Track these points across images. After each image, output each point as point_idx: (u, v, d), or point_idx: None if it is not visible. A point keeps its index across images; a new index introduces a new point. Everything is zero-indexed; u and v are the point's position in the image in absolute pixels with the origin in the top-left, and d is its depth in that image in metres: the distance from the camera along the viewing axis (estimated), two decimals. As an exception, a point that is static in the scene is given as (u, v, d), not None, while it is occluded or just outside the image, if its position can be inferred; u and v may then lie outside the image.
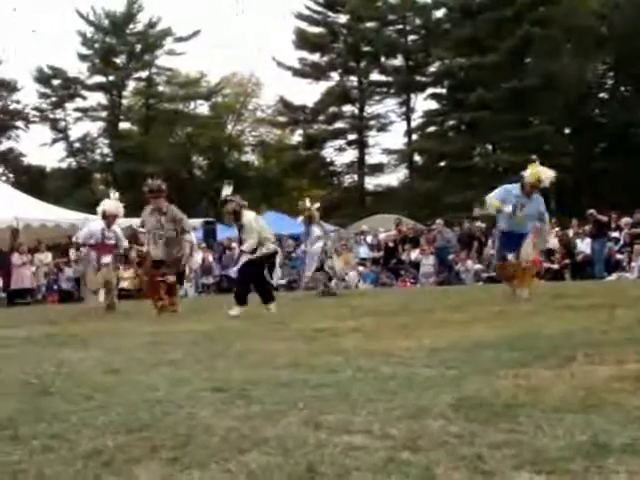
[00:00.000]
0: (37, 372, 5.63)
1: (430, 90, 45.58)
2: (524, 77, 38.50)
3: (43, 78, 48.20)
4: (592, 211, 20.43)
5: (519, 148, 36.57)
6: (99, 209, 14.11)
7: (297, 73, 47.22)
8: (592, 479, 2.61)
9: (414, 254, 23.35)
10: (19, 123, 48.85)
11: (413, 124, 46.41)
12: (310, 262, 16.44)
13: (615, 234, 20.93)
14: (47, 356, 6.75)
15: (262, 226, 11.70)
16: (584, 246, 20.77)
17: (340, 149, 48.08)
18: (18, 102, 48.63)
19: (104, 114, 49.94)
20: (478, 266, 21.82)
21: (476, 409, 3.64)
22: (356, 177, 48.38)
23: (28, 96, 49.28)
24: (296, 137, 50.83)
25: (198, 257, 23.93)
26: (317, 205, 16.98)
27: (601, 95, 43.01)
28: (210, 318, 10.85)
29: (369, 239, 25.03)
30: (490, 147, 43.33)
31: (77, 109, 49.57)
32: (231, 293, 22.32)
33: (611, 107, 40.22)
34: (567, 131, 42.23)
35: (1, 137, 48.42)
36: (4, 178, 42.89)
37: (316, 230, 16.35)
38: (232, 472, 2.85)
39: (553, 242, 20.78)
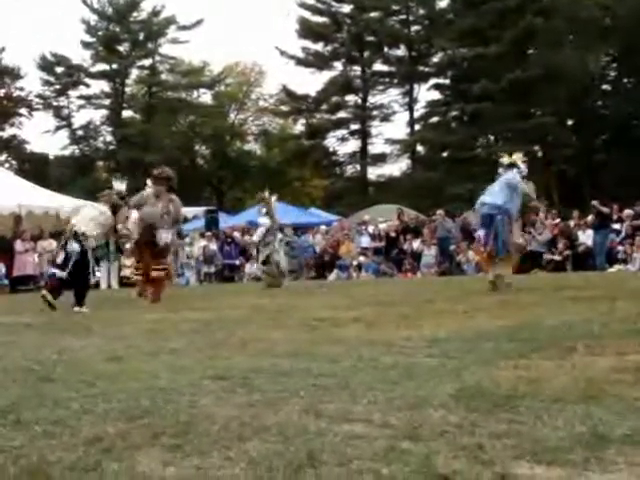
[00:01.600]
0: (39, 359, 5.65)
1: (433, 80, 45.47)
2: (527, 68, 38.37)
3: (46, 65, 48.16)
4: (595, 202, 20.38)
5: (521, 139, 36.47)
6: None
7: (300, 62, 47.11)
8: (592, 469, 2.62)
9: (415, 244, 23.34)
10: (22, 110, 48.78)
11: (416, 114, 46.34)
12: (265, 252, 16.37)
13: (616, 226, 20.89)
14: (49, 343, 6.77)
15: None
16: (585, 237, 20.74)
17: (343, 139, 48.00)
18: (22, 89, 48.58)
19: (107, 102, 49.97)
20: (479, 257, 21.79)
21: (477, 399, 3.65)
22: (358, 167, 48.29)
23: (32, 83, 49.27)
24: (299, 126, 50.80)
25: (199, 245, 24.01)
26: (274, 197, 16.97)
27: (604, 87, 42.86)
28: (211, 307, 10.86)
29: (370, 229, 24.99)
30: (492, 138, 43.24)
31: (80, 97, 49.59)
32: (229, 282, 22.53)
33: (614, 99, 40.08)
34: (569, 123, 42.08)
35: (4, 124, 48.36)
36: (7, 165, 42.82)
37: (267, 222, 16.34)
38: (233, 459, 2.86)
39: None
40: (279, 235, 16.41)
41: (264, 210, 16.32)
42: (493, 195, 11.37)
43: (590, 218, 20.84)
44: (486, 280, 11.52)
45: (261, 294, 11.58)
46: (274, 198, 16.75)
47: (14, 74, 47.95)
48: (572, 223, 21.85)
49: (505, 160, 11.89)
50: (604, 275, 16.88)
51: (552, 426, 3.13)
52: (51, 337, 7.37)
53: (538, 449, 2.83)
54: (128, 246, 16.37)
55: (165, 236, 12.81)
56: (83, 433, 3.32)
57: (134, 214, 13.49)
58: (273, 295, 13.14)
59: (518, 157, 11.84)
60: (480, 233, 11.43)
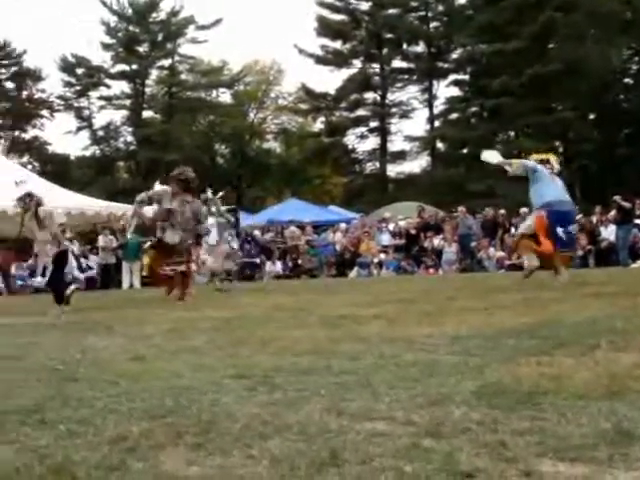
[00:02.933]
0: (63, 358, 5.69)
1: (452, 77, 45.43)
2: (547, 63, 38.11)
3: (67, 67, 48.46)
4: (617, 197, 20.24)
5: (542, 135, 36.32)
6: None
7: (319, 60, 47.09)
8: (616, 466, 2.61)
9: (436, 241, 23.30)
10: (44, 112, 49.16)
11: (435, 111, 46.32)
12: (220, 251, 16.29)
13: (639, 221, 20.75)
14: (72, 343, 6.82)
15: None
16: (608, 233, 20.62)
17: (362, 136, 48.00)
18: (43, 91, 49.07)
19: (127, 102, 50.19)
20: (501, 253, 21.72)
21: (499, 396, 3.64)
22: (378, 164, 48.23)
23: (53, 85, 49.57)
24: (318, 124, 50.87)
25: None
26: (220, 194, 16.97)
27: (626, 80, 42.57)
28: (232, 305, 10.88)
29: (391, 226, 24.96)
30: (513, 134, 43.02)
31: (101, 97, 49.87)
32: (250, 280, 22.53)
33: (636, 93, 39.80)
34: (591, 117, 41.81)
35: (26, 126, 48.76)
36: (29, 166, 43.13)
37: (214, 221, 16.32)
38: (255, 458, 2.87)
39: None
40: (226, 234, 16.34)
41: (213, 209, 16.22)
42: (566, 192, 11.59)
43: (612, 213, 20.70)
44: (509, 277, 11.51)
45: (281, 292, 11.59)
46: (218, 196, 16.72)
47: (36, 76, 48.41)
48: (594, 219, 21.73)
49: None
50: (627, 271, 16.77)
51: (576, 423, 3.11)
52: (74, 337, 7.42)
53: (562, 446, 2.81)
54: (147, 245, 16.46)
55: (171, 236, 12.87)
56: (107, 432, 3.34)
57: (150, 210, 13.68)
58: (293, 293, 13.15)
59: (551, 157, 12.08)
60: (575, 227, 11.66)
